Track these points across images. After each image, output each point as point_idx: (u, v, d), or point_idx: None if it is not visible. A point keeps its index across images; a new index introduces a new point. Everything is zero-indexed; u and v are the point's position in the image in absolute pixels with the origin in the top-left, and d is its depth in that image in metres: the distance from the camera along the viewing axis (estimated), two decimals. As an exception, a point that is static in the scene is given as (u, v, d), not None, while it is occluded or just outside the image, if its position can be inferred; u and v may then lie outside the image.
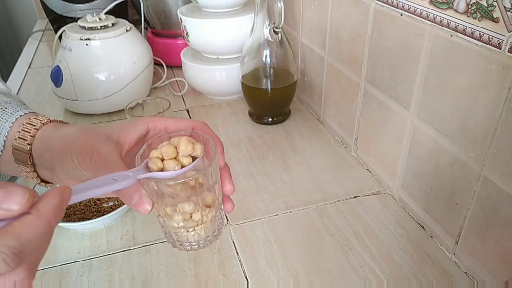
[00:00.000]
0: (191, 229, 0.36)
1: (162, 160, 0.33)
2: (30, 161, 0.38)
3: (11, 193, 0.23)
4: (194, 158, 0.34)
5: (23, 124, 0.39)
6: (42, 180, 0.40)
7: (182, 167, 0.33)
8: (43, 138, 0.38)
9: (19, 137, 0.38)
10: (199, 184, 0.34)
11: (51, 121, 0.40)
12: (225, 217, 0.40)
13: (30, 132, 0.38)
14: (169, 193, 0.33)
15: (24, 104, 0.45)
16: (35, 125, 0.39)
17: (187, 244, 0.37)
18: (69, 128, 0.39)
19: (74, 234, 0.58)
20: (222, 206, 0.38)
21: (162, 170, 0.33)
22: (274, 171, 0.69)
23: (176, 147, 0.34)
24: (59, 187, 0.26)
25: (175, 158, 0.33)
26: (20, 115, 0.40)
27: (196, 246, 0.37)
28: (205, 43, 0.89)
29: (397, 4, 0.54)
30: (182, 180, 0.33)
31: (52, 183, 0.41)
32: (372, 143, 0.66)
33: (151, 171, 0.33)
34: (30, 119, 0.39)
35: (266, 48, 0.77)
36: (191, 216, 0.35)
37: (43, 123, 0.39)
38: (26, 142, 0.38)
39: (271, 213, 0.61)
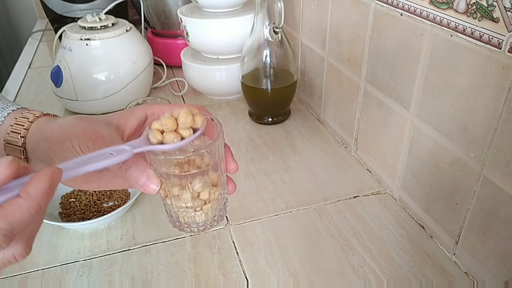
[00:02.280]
0: (199, 208, 0.35)
1: (163, 132, 0.33)
2: (23, 155, 0.38)
3: None
4: (195, 131, 0.33)
5: (16, 118, 0.38)
6: None
7: (183, 139, 0.33)
8: (38, 129, 0.38)
9: (11, 131, 0.37)
10: (205, 161, 0.33)
11: (44, 115, 0.39)
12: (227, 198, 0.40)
13: (23, 125, 0.38)
14: (177, 171, 0.33)
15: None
16: (28, 118, 0.38)
17: (194, 225, 0.37)
18: (66, 117, 0.38)
19: (74, 234, 0.58)
20: (226, 185, 0.38)
21: (162, 142, 0.32)
22: (274, 171, 0.69)
23: (176, 119, 0.33)
24: (49, 169, 0.27)
25: (175, 130, 0.33)
26: (12, 110, 0.39)
27: (203, 227, 0.37)
28: (205, 43, 0.89)
29: (397, 4, 0.54)
30: (186, 156, 0.32)
31: None
32: (372, 143, 0.66)
33: (151, 144, 0.32)
34: (23, 113, 0.39)
35: (266, 48, 0.77)
36: (199, 195, 0.34)
37: (37, 116, 0.39)
38: (19, 135, 0.37)
39: (271, 213, 0.61)
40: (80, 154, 0.34)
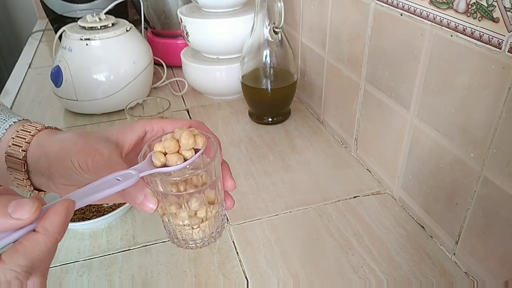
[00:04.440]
0: (196, 226, 0.36)
1: (165, 154, 0.33)
2: (24, 168, 0.37)
3: (21, 204, 0.25)
4: (196, 151, 0.34)
5: (17, 131, 0.38)
6: (36, 188, 0.39)
7: (185, 160, 0.33)
8: (39, 144, 0.37)
9: (13, 144, 0.37)
10: (202, 180, 0.34)
11: (46, 128, 0.39)
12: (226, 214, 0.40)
13: (25, 139, 0.37)
14: (174, 190, 0.33)
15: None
16: (30, 132, 0.38)
17: (191, 242, 0.37)
18: (66, 133, 0.38)
19: (74, 234, 0.58)
20: (224, 202, 0.38)
21: (165, 164, 0.33)
22: (274, 171, 0.69)
23: (178, 141, 0.33)
24: (64, 202, 0.27)
25: (177, 151, 0.33)
26: (14, 122, 0.39)
27: (201, 244, 0.37)
28: (205, 43, 0.89)
29: (397, 4, 0.54)
30: (183, 177, 0.33)
31: (45, 191, 0.40)
32: (372, 143, 0.66)
33: (155, 166, 0.33)
34: (24, 125, 0.38)
35: (266, 48, 0.77)
36: (195, 213, 0.35)
37: (38, 130, 0.38)
38: (21, 149, 0.37)
39: (271, 213, 0.61)
40: (78, 171, 0.34)
